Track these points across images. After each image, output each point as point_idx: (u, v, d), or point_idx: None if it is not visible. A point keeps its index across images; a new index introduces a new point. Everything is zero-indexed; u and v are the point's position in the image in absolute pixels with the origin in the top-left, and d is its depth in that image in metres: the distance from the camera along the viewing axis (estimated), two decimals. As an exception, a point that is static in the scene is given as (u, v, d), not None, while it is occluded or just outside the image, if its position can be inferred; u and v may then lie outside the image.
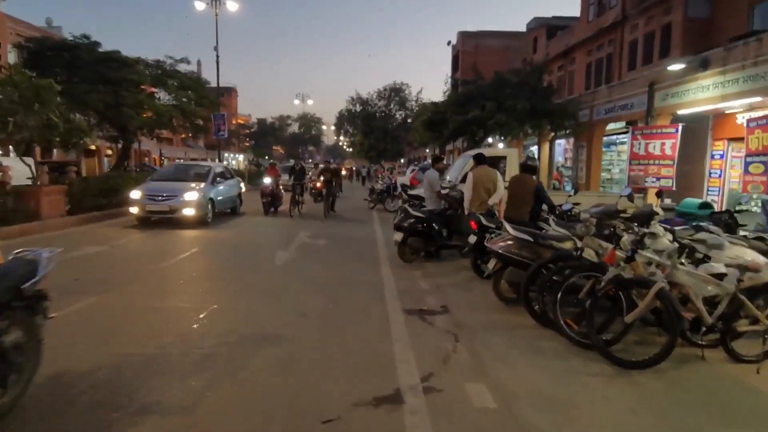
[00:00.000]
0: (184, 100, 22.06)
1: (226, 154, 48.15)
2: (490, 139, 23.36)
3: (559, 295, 4.58)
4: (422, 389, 3.51)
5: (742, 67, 10.92)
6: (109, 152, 32.87)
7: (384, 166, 37.45)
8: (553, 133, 21.30)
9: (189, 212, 11.46)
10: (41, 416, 3.10)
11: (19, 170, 11.89)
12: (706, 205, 7.93)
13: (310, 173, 19.87)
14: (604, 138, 18.64)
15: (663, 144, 12.10)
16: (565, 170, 22.44)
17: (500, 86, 20.29)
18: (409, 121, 44.80)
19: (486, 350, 4.33)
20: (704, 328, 4.10)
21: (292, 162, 18.43)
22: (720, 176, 13.13)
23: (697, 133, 13.04)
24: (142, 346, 4.21)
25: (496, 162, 10.21)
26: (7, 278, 2.98)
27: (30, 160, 11.39)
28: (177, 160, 34.51)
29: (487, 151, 8.87)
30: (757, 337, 4.21)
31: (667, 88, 13.56)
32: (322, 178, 15.52)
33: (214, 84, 26.68)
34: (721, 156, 13.09)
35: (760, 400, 3.69)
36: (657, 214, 5.31)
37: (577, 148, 20.03)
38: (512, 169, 10.77)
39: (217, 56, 24.69)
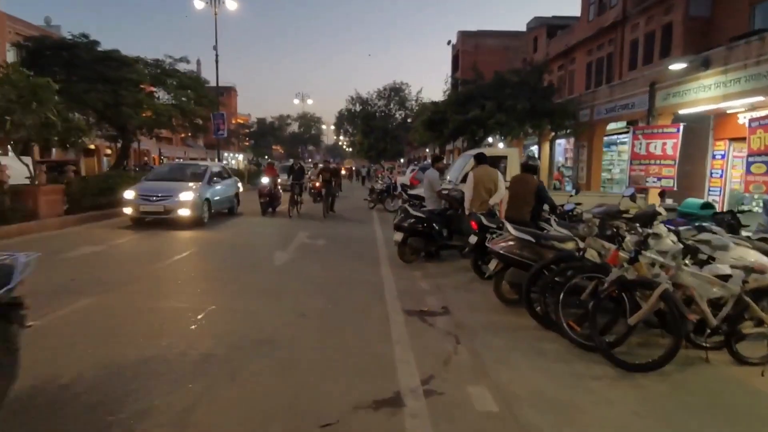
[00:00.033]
0: (183, 99, 21.97)
1: (225, 154, 48.10)
2: (490, 139, 23.31)
3: (561, 297, 4.52)
4: (423, 392, 3.45)
5: (744, 66, 10.87)
6: (109, 152, 32.80)
7: (384, 166, 37.40)
8: (553, 133, 21.25)
9: (184, 213, 11.21)
10: (36, 419, 3.05)
11: (18, 169, 11.82)
12: (707, 206, 7.86)
13: (309, 173, 19.77)
14: (605, 138, 18.59)
15: (664, 144, 12.06)
16: (566, 170, 22.39)
17: (500, 86, 20.24)
18: (408, 120, 44.77)
19: (487, 352, 4.28)
20: (708, 331, 4.05)
21: (291, 162, 18.26)
22: (721, 176, 13.08)
23: (698, 133, 12.99)
24: (140, 347, 4.16)
25: (497, 162, 10.15)
26: None
27: (28, 159, 11.34)
28: (176, 160, 34.40)
29: (487, 151, 8.82)
30: (762, 340, 4.16)
31: (669, 88, 13.51)
32: (321, 178, 15.36)
33: (213, 83, 26.63)
34: (723, 156, 13.05)
35: (764, 402, 3.65)
36: (660, 214, 5.26)
37: (578, 147, 19.98)
38: (513, 168, 10.71)
39: (217, 55, 24.66)
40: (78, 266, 7.29)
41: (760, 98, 10.71)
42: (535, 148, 24.20)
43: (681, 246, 4.09)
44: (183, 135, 40.42)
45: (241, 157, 60.55)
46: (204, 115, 24.13)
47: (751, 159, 9.55)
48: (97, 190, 13.13)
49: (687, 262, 4.37)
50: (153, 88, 21.33)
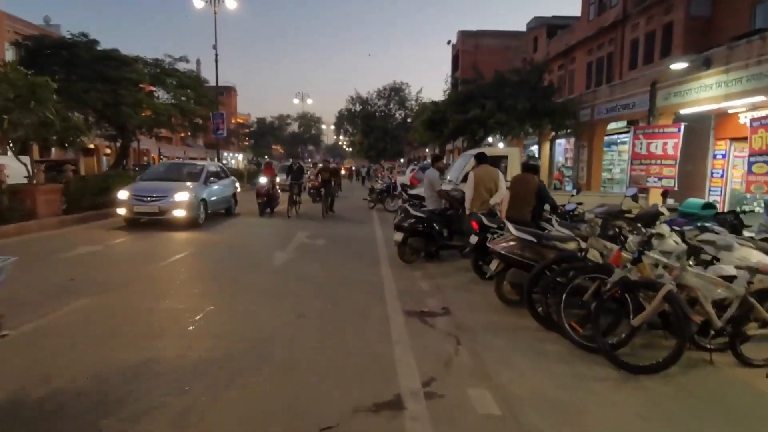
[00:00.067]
0: (183, 98, 21.92)
1: (225, 154, 48.06)
2: (490, 139, 23.27)
3: (563, 297, 4.47)
4: (423, 394, 3.40)
5: (745, 65, 10.82)
6: (108, 151, 32.75)
7: (383, 166, 37.35)
8: (553, 133, 21.19)
9: (179, 214, 10.96)
10: (33, 421, 3.00)
11: (16, 169, 11.77)
12: (709, 206, 7.82)
13: (308, 173, 19.65)
14: (605, 137, 18.54)
15: (665, 144, 12.02)
16: (566, 170, 22.35)
17: (500, 85, 20.20)
18: (408, 120, 44.72)
19: (488, 353, 4.23)
20: (713, 332, 4.00)
21: (290, 161, 18.06)
22: (722, 176, 13.03)
23: (699, 132, 12.94)
24: (138, 348, 4.11)
25: (497, 161, 10.11)
26: None
27: (26, 159, 11.29)
28: (176, 159, 34.33)
29: (487, 151, 8.78)
30: (767, 341, 4.11)
31: (670, 87, 13.46)
32: (320, 178, 15.18)
33: (213, 83, 26.59)
34: (723, 156, 13.00)
35: (770, 405, 3.60)
36: (662, 214, 5.23)
37: (578, 147, 19.93)
38: (513, 168, 10.67)
39: (216, 55, 24.64)
40: (76, 266, 7.24)
41: (762, 98, 10.66)
42: (535, 148, 24.17)
43: (685, 247, 4.03)
44: (183, 134, 40.38)
45: (240, 156, 60.51)
46: (203, 114, 24.10)
47: (752, 159, 9.51)
48: (96, 189, 13.06)
49: (690, 262, 4.33)
50: (152, 88, 21.29)
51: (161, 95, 22.06)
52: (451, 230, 8.00)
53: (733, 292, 3.98)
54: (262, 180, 14.79)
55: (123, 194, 11.14)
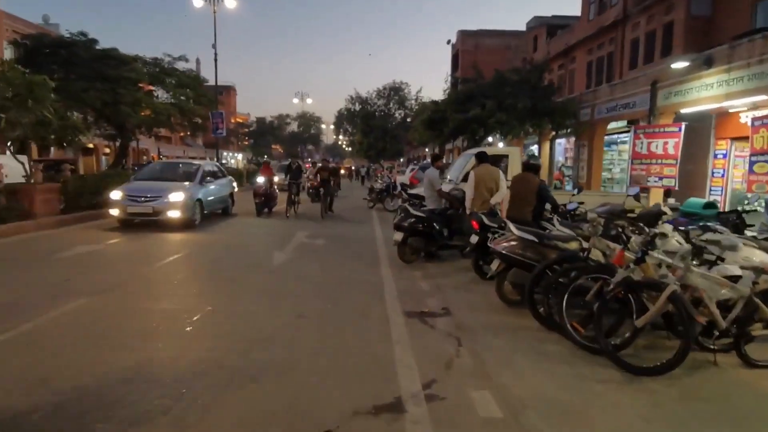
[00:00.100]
0: (182, 98, 21.86)
1: (224, 153, 48.03)
2: (490, 138, 23.22)
3: (565, 297, 4.42)
4: (424, 397, 3.35)
5: (747, 64, 10.77)
6: (108, 150, 32.72)
7: (383, 165, 37.30)
8: (553, 132, 21.14)
9: (174, 214, 10.66)
10: (26, 425, 2.95)
11: (14, 168, 11.71)
12: (710, 205, 7.78)
13: (307, 172, 19.52)
14: (605, 137, 18.49)
15: (666, 143, 11.98)
16: (566, 170, 22.31)
17: (501, 85, 20.13)
18: (408, 120, 44.68)
19: (490, 354, 4.18)
20: (717, 333, 3.94)
21: (289, 161, 17.80)
22: (723, 176, 12.99)
23: (700, 132, 12.89)
24: (134, 350, 4.05)
25: (498, 161, 10.06)
26: None
27: (24, 158, 11.23)
28: (175, 159, 34.25)
29: (488, 150, 8.72)
30: (771, 342, 4.06)
31: (670, 87, 13.41)
32: (318, 177, 15.02)
33: (212, 82, 26.53)
34: (724, 155, 12.95)
35: (775, 407, 3.55)
36: (665, 213, 5.17)
37: (578, 147, 19.88)
38: (514, 167, 10.62)
39: (215, 54, 24.60)
40: (73, 266, 7.19)
41: (763, 97, 10.61)
42: (535, 148, 24.11)
43: (690, 247, 3.98)
44: (182, 134, 40.32)
45: (240, 156, 60.48)
46: (203, 114, 24.05)
47: (753, 158, 9.47)
48: (95, 189, 12.98)
49: (693, 262, 4.27)
50: (152, 87, 21.24)
51: (160, 94, 22.00)
52: (451, 230, 7.95)
53: (738, 293, 3.92)
54: (260, 180, 14.59)
55: (116, 194, 10.83)
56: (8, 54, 21.80)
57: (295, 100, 65.27)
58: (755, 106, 11.05)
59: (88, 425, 2.93)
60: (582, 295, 4.45)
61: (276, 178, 17.24)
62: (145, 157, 37.78)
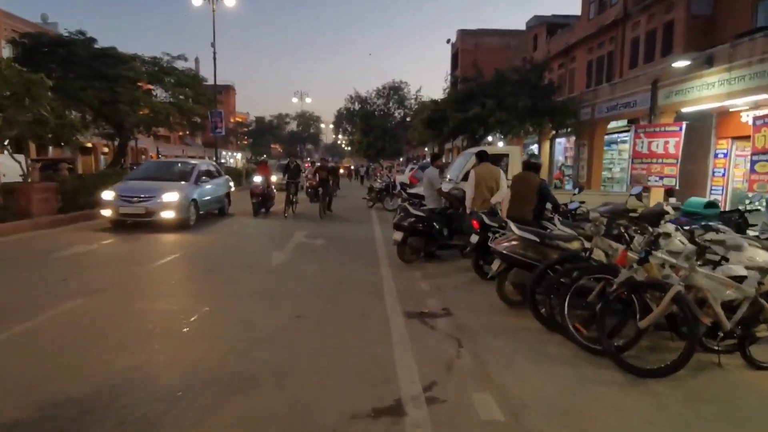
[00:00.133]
0: (181, 97, 21.74)
1: (224, 152, 47.95)
2: (490, 138, 23.16)
3: (567, 298, 4.37)
4: (425, 399, 3.29)
5: (748, 63, 10.72)
6: (106, 150, 32.60)
7: (382, 165, 37.24)
8: (554, 132, 21.10)
9: (168, 215, 10.36)
10: (17, 429, 2.88)
11: (12, 167, 11.62)
12: (711, 205, 7.73)
13: (306, 172, 19.38)
14: (606, 136, 18.44)
15: (666, 142, 11.94)
16: (566, 169, 22.26)
17: (501, 84, 20.07)
18: (407, 119, 44.64)
19: (491, 356, 4.12)
20: (721, 334, 3.89)
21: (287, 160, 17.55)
22: (723, 175, 12.94)
23: (700, 131, 12.84)
24: (130, 352, 3.99)
25: (498, 160, 10.00)
26: None
27: (21, 157, 11.16)
28: (172, 158, 34.15)
29: (488, 149, 8.66)
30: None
31: (671, 86, 13.36)
32: (317, 177, 14.88)
33: (211, 81, 26.44)
34: (725, 155, 12.90)
35: (781, 410, 3.50)
36: (667, 213, 5.11)
37: (579, 146, 19.82)
38: (514, 167, 10.57)
39: (214, 53, 24.53)
40: (69, 266, 7.12)
41: (765, 96, 10.56)
42: (535, 147, 24.06)
43: (695, 247, 3.92)
44: (181, 133, 40.21)
45: (239, 155, 60.42)
46: (202, 113, 23.94)
47: (755, 158, 9.43)
48: (93, 188, 12.89)
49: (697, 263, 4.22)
50: (150, 86, 21.13)
51: (159, 94, 21.88)
52: (451, 229, 7.89)
53: (743, 293, 3.87)
54: (257, 179, 14.40)
55: (108, 194, 10.53)
56: (6, 53, 21.72)
57: (295, 100, 65.42)
58: (756, 105, 11.00)
59: (83, 429, 2.88)
60: (584, 295, 4.39)
61: (274, 178, 17.12)
62: (143, 157, 37.70)
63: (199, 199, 11.53)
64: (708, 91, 12.04)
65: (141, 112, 19.81)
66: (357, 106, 48.37)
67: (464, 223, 7.44)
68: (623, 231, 4.68)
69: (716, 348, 3.99)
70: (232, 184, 14.79)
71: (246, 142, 65.39)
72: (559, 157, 23.39)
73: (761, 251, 4.78)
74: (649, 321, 3.82)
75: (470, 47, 38.51)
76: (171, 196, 10.52)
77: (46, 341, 4.23)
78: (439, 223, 7.75)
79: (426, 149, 42.22)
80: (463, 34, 40.58)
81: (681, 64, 12.10)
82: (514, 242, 5.25)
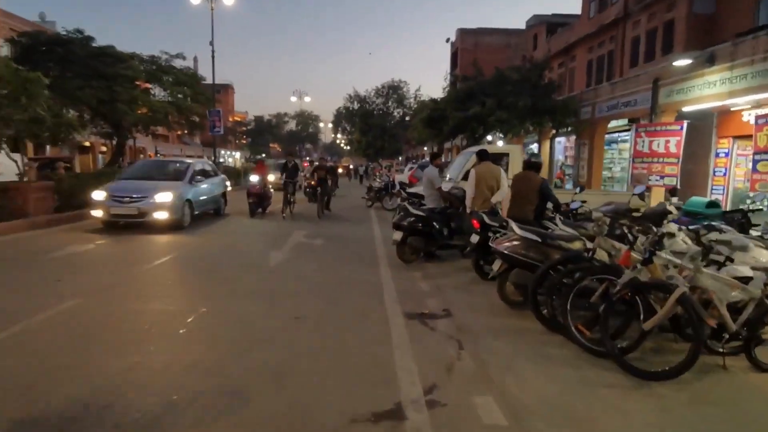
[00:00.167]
0: (179, 96, 21.64)
1: (222, 152, 47.89)
2: (489, 137, 23.07)
3: (569, 299, 4.30)
4: (425, 403, 3.22)
5: (750, 62, 10.64)
6: (104, 149, 32.50)
7: (381, 164, 37.18)
8: (554, 131, 21.03)
9: (161, 216, 10.08)
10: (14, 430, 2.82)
11: (9, 166, 11.53)
12: (713, 204, 7.68)
13: (304, 171, 19.23)
14: (606, 135, 18.38)
15: (667, 141, 11.89)
16: (567, 168, 22.22)
17: (501, 83, 20.00)
18: (407, 119, 44.60)
19: (492, 358, 4.05)
20: (726, 336, 3.82)
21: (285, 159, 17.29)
22: (725, 174, 12.88)
23: (702, 130, 12.78)
24: (125, 353, 3.92)
25: (498, 159, 9.92)
26: None
27: (17, 156, 11.07)
28: (169, 157, 34.06)
29: (488, 148, 8.59)
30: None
31: (672, 85, 13.29)
32: (315, 176, 14.74)
33: (210, 80, 26.34)
34: (726, 154, 12.84)
35: (788, 413, 3.43)
36: (670, 213, 5.05)
37: (579, 145, 19.75)
38: (515, 166, 10.49)
39: (213, 51, 24.40)
40: (65, 266, 7.05)
41: (767, 95, 10.49)
42: (535, 146, 24.00)
43: (700, 248, 3.85)
44: (179, 132, 40.12)
45: (238, 154, 60.36)
46: (200, 112, 23.84)
47: (757, 157, 9.37)
48: (90, 187, 12.79)
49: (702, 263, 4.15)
50: (149, 85, 21.03)
51: (157, 92, 21.77)
52: (451, 229, 7.83)
53: (749, 294, 3.81)
54: (254, 178, 14.16)
55: (99, 194, 10.21)
56: (4, 51, 21.63)
57: (293, 99, 65.07)
58: (758, 104, 10.94)
59: (83, 429, 2.83)
60: (587, 296, 4.34)
61: (272, 177, 16.97)
62: (142, 156, 37.62)
63: (193, 200, 11.30)
64: (709, 89, 11.98)
65: (139, 111, 19.72)
66: (356, 106, 48.35)
67: (464, 222, 7.38)
68: (626, 231, 4.62)
69: (721, 350, 3.93)
70: (228, 183, 14.54)
71: (245, 142, 65.31)
72: (560, 157, 23.33)
73: (766, 251, 4.73)
74: (653, 323, 3.76)
75: (470, 46, 38.44)
76: (164, 197, 10.25)
77: (43, 342, 4.16)
78: (439, 223, 7.68)
79: (425, 148, 42.15)
80: (463, 33, 40.51)
81: (682, 62, 12.03)
82: (515, 242, 5.19)
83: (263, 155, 50.04)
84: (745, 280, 3.87)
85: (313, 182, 15.28)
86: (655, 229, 4.17)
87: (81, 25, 34.59)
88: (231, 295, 5.83)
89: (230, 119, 58.55)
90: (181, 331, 4.51)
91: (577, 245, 5.06)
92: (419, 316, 5.08)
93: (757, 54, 10.49)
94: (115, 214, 10.19)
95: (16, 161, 10.88)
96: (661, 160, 12.03)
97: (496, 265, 5.35)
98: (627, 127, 16.57)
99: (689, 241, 4.68)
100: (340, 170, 31.87)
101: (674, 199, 9.40)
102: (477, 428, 2.97)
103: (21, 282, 6.20)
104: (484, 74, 21.61)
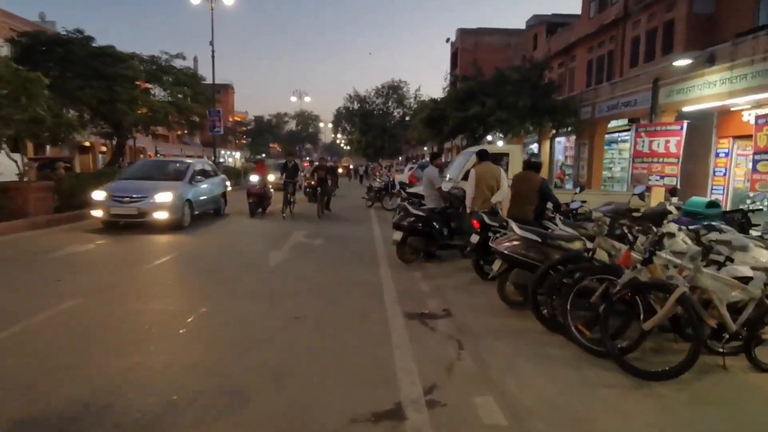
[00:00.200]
0: (179, 96, 21.63)
1: (222, 151, 47.89)
2: (489, 137, 23.07)
3: (569, 299, 4.30)
4: (425, 403, 3.22)
5: (750, 62, 10.64)
6: (104, 149, 32.50)
7: (381, 164, 37.18)
8: (554, 131, 21.03)
9: (161, 216, 10.07)
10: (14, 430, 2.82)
11: (9, 166, 11.53)
12: (713, 204, 7.68)
13: (304, 171, 19.21)
14: (606, 135, 18.38)
15: (667, 141, 11.89)
16: (567, 168, 22.22)
17: (501, 83, 20.00)
18: (407, 119, 44.60)
19: (492, 358, 4.05)
20: (726, 336, 3.82)
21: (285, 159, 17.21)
22: (725, 174, 12.88)
23: (702, 130, 12.79)
24: (125, 354, 3.92)
25: (498, 159, 9.92)
26: None
27: (17, 156, 11.07)
28: (168, 157, 34.03)
29: (488, 148, 8.59)
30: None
31: (672, 84, 13.29)
32: (315, 176, 14.73)
33: (210, 80, 26.34)
34: (726, 154, 12.85)
35: (788, 413, 3.43)
36: (670, 213, 5.05)
37: (579, 145, 19.75)
38: (515, 166, 10.49)
39: (213, 51, 24.40)
40: (65, 266, 7.06)
41: (767, 95, 10.49)
42: (535, 146, 24.01)
43: (700, 248, 3.85)
44: (179, 132, 40.12)
45: (238, 154, 60.37)
46: (200, 112, 23.84)
47: (757, 157, 9.37)
48: (90, 187, 12.78)
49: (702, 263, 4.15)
50: (149, 85, 21.02)
51: (157, 92, 21.76)
52: (451, 229, 7.82)
53: (749, 294, 3.81)
54: (253, 178, 14.10)
55: (99, 194, 10.20)
56: (5, 51, 21.63)
57: (293, 99, 65.06)
58: (758, 104, 10.94)
59: (82, 429, 2.83)
60: (587, 296, 4.34)
61: (272, 177, 16.94)
62: (142, 156, 37.61)
63: (193, 200, 11.28)
64: (709, 89, 11.98)
65: (139, 111, 19.71)
66: (356, 106, 48.35)
67: (464, 222, 7.38)
68: (626, 231, 4.62)
69: (721, 350, 3.93)
70: (228, 183, 14.52)
71: (245, 142, 65.31)
72: (560, 157, 23.33)
73: (766, 251, 4.73)
74: (653, 323, 3.76)
75: (470, 46, 38.44)
76: (164, 197, 10.23)
77: (43, 342, 4.16)
78: (439, 223, 7.68)
79: (425, 148, 42.15)
80: (463, 33, 40.51)
81: (682, 62, 12.03)
82: (515, 242, 5.19)
83: (263, 155, 50.05)
84: (745, 280, 3.87)
85: (313, 182, 15.25)
86: (655, 229, 4.17)
87: (81, 25, 34.57)
88: (231, 295, 5.83)
89: (230, 119, 58.56)
90: (181, 331, 4.51)
91: (577, 245, 5.06)
92: (419, 316, 5.08)
93: (757, 54, 10.49)
94: (115, 214, 10.19)
95: (16, 161, 10.88)
96: (661, 160, 12.03)
97: (496, 265, 5.35)
98: (627, 127, 16.57)
99: (689, 241, 4.68)
100: (340, 170, 31.87)
101: (674, 199, 9.40)
102: (477, 428, 2.97)
103: (21, 282, 6.20)
104: (484, 74, 21.61)
